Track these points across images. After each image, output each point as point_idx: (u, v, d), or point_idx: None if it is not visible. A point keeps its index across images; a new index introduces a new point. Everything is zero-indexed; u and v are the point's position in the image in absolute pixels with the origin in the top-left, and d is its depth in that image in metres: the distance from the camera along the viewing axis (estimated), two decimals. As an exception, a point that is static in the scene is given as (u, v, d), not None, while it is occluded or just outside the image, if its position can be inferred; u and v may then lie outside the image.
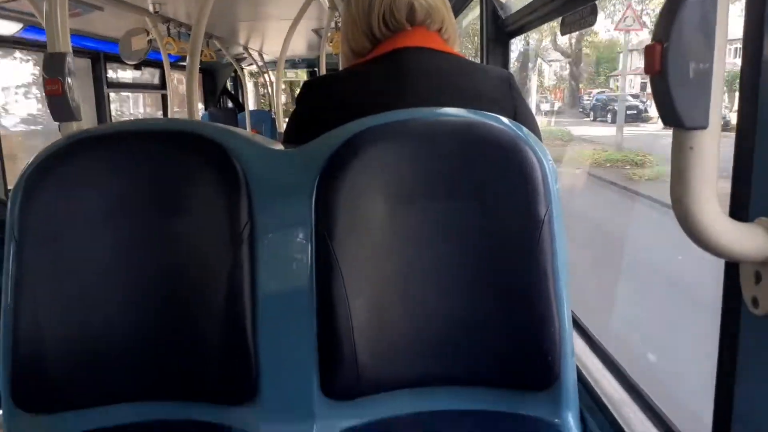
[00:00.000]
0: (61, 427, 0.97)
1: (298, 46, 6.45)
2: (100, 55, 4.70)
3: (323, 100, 1.14)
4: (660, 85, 0.58)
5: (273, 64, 8.00)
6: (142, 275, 0.96)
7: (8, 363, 0.94)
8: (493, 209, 0.95)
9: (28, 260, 0.95)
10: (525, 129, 1.00)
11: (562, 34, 1.50)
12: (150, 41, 4.06)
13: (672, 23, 0.56)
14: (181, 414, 0.98)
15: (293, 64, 8.55)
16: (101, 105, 4.85)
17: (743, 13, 0.66)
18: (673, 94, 0.57)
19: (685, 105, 0.57)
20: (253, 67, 8.45)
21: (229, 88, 8.34)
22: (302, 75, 9.32)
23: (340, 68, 1.28)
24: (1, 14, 3.19)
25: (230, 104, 8.34)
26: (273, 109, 8.24)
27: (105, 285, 0.96)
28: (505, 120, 0.99)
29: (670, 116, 0.58)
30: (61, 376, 0.96)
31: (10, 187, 3.66)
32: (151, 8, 3.74)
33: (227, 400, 0.98)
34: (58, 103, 1.17)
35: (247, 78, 8.22)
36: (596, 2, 1.34)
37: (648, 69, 0.59)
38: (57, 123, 1.18)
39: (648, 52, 0.58)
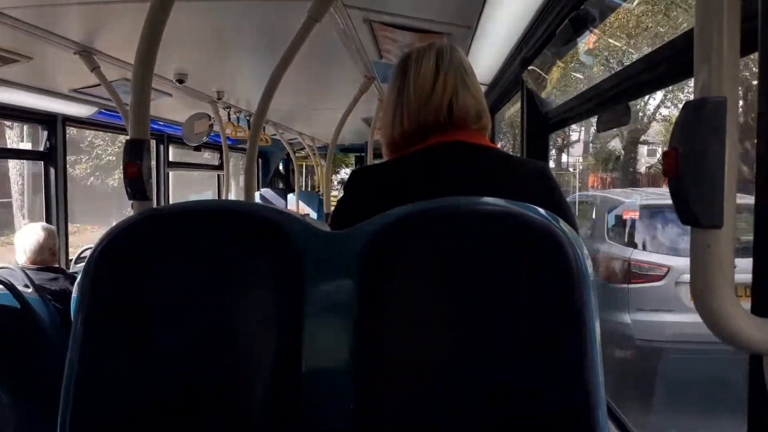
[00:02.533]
0: None
1: (348, 133, 6.72)
2: (164, 137, 5.03)
3: (369, 188, 1.22)
4: (677, 187, 0.63)
5: (323, 149, 8.33)
6: (196, 346, 1.02)
7: (66, 422, 0.99)
8: (530, 296, 0.97)
9: (94, 329, 1.01)
10: (560, 219, 1.04)
11: (598, 131, 1.58)
12: (211, 125, 4.33)
13: (686, 131, 0.63)
14: None
15: (342, 149, 8.87)
16: (161, 184, 5.13)
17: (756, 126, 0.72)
18: (690, 196, 0.62)
19: (700, 206, 0.62)
20: (304, 152, 8.81)
21: (281, 170, 8.70)
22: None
23: (383, 154, 1.36)
24: (79, 99, 3.49)
25: (281, 185, 8.66)
26: (321, 191, 8.50)
27: (162, 353, 1.02)
28: (540, 210, 1.03)
29: (687, 216, 0.63)
30: None
31: (71, 257, 3.87)
32: (215, 95, 4.03)
33: None
34: (136, 184, 1.28)
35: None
36: (629, 104, 1.42)
37: (666, 172, 0.64)
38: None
39: (666, 157, 0.64)
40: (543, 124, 2.24)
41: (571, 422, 0.94)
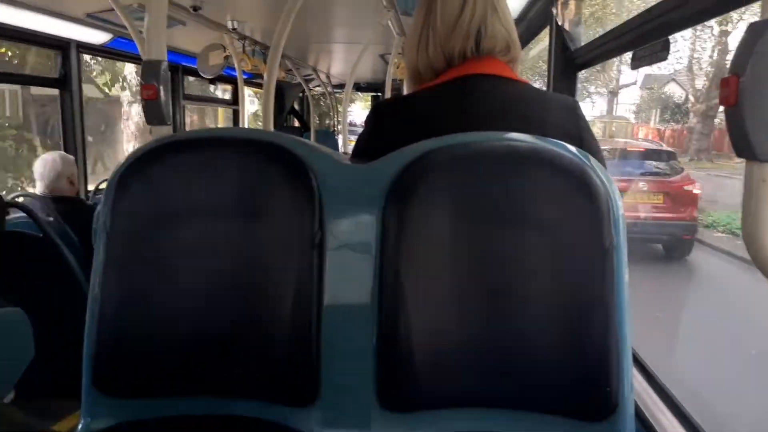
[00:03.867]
0: (135, 411, 1.02)
1: (365, 70, 6.59)
2: (179, 67, 4.95)
3: (392, 121, 1.18)
4: (735, 117, 0.59)
5: (338, 87, 8.20)
6: (217, 272, 1.02)
7: (91, 348, 1.01)
8: (558, 236, 0.95)
9: (115, 252, 1.02)
10: (592, 158, 1.00)
11: (633, 68, 1.50)
12: (227, 57, 4.24)
13: (749, 57, 0.58)
14: (244, 411, 1.02)
15: (359, 87, 8.72)
16: (177, 115, 5.08)
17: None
18: (748, 127, 0.58)
19: (759, 138, 0.58)
20: (319, 89, 8.67)
21: (296, 107, 8.58)
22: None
23: (405, 90, 1.31)
24: (94, 24, 3.41)
25: (296, 123, 8.58)
26: (336, 130, 8.42)
27: (183, 281, 1.01)
28: (571, 148, 1.00)
29: (743, 148, 0.59)
30: (138, 365, 1.02)
31: (90, 188, 3.89)
32: (230, 25, 3.93)
33: (288, 401, 1.01)
34: (153, 108, 1.25)
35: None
36: (668, 38, 1.34)
37: (723, 101, 0.60)
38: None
39: (724, 84, 0.60)
40: (571, 62, 2.15)
41: (595, 364, 0.94)
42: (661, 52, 1.42)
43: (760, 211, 0.59)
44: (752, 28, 0.59)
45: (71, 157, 3.00)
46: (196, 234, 1.02)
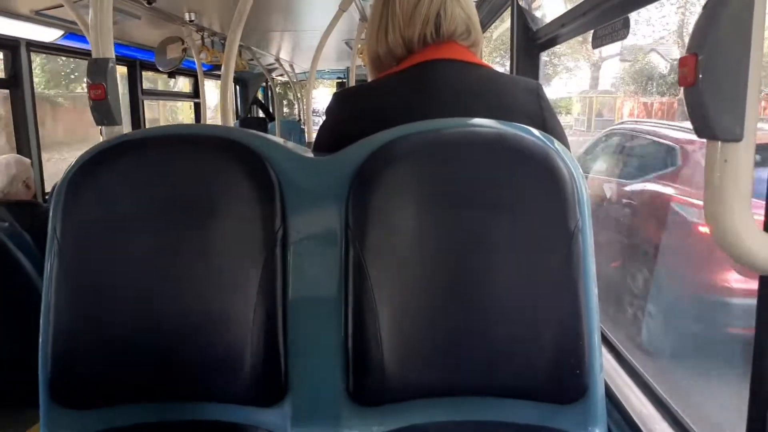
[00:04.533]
0: (95, 422, 0.99)
1: (329, 58, 6.52)
2: (136, 63, 4.83)
3: (353, 110, 1.15)
4: (694, 97, 0.58)
5: (303, 75, 8.11)
6: (176, 276, 0.99)
7: (47, 359, 0.97)
8: (523, 220, 0.95)
9: (68, 258, 0.98)
10: (555, 141, 1.00)
11: (594, 47, 1.50)
12: (184, 50, 4.15)
13: (707, 35, 0.57)
14: (211, 414, 1.00)
15: (323, 75, 8.64)
16: (136, 112, 4.96)
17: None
18: (708, 107, 0.57)
19: (719, 117, 0.57)
20: (283, 78, 8.57)
21: (260, 98, 8.47)
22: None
23: (369, 77, 1.29)
24: (43, 21, 3.29)
25: (261, 114, 8.46)
26: (302, 120, 8.34)
27: (141, 285, 0.98)
28: (535, 131, 0.99)
29: (704, 129, 0.59)
30: (96, 373, 0.98)
31: (47, 190, 3.78)
32: (186, 17, 3.83)
33: (256, 401, 0.99)
34: (101, 108, 1.20)
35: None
36: (628, 16, 1.34)
37: (682, 81, 0.59)
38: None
39: (683, 63, 0.59)
40: (534, 43, 2.15)
41: (563, 347, 0.94)
42: (621, 30, 1.42)
43: (722, 190, 0.59)
44: (708, 4, 0.58)
45: (27, 159, 2.90)
46: (152, 236, 0.98)
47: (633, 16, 1.39)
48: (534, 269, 0.95)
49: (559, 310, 0.94)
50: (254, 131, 1.06)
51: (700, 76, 0.57)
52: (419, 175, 0.96)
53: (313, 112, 6.86)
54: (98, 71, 1.19)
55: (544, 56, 2.18)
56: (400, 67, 1.16)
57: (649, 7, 1.28)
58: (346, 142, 1.03)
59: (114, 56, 1.23)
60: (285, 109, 12.23)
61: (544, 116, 1.12)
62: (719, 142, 0.59)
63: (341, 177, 0.99)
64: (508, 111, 1.08)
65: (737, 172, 0.59)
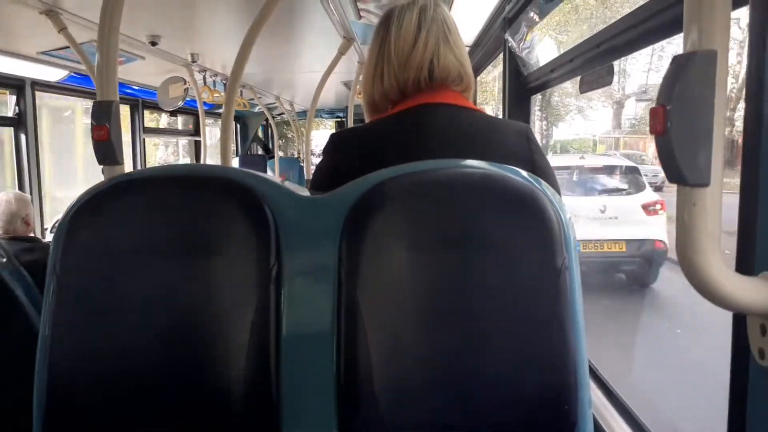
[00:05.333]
0: None
1: (328, 97, 6.63)
2: (138, 102, 4.91)
3: (349, 151, 1.19)
4: (664, 145, 0.62)
5: (303, 114, 8.23)
6: (172, 312, 1.00)
7: (42, 393, 0.98)
8: (511, 259, 0.97)
9: (67, 295, 0.99)
10: (543, 182, 1.03)
11: (581, 92, 1.56)
12: (186, 89, 4.23)
13: (674, 87, 0.61)
14: None
15: (322, 114, 8.77)
16: (137, 149, 5.03)
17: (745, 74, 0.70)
18: (677, 154, 0.61)
19: (687, 163, 0.61)
20: (283, 116, 8.68)
21: (260, 135, 8.57)
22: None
23: (366, 118, 1.33)
24: (48, 61, 3.37)
25: (260, 151, 8.56)
26: (301, 157, 8.42)
27: (136, 323, 1.00)
28: (523, 173, 1.02)
29: (674, 174, 0.62)
30: (92, 407, 0.99)
31: (46, 225, 3.80)
32: (189, 58, 3.92)
33: None
34: (104, 148, 1.24)
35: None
36: (612, 63, 1.39)
37: (653, 130, 0.63)
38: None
39: (653, 114, 0.62)
40: (525, 87, 2.21)
41: (552, 382, 0.95)
42: (606, 77, 1.47)
43: (693, 232, 0.62)
44: (676, 60, 0.62)
45: (27, 196, 2.93)
46: (150, 275, 1.00)
47: (657, 50, 1.45)
48: (523, 306, 0.97)
49: (547, 346, 0.95)
50: (251, 171, 1.09)
51: (669, 125, 0.61)
52: (409, 214, 0.99)
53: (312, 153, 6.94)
54: (102, 113, 1.22)
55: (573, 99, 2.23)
56: (395, 111, 1.20)
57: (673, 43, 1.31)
58: (341, 182, 1.06)
59: (118, 98, 1.28)
60: (291, 147, 12.32)
61: (533, 158, 1.16)
62: (689, 188, 0.62)
63: (335, 216, 1.01)
64: (499, 153, 1.12)
65: (706, 215, 0.62)
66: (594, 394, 1.11)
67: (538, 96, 2.38)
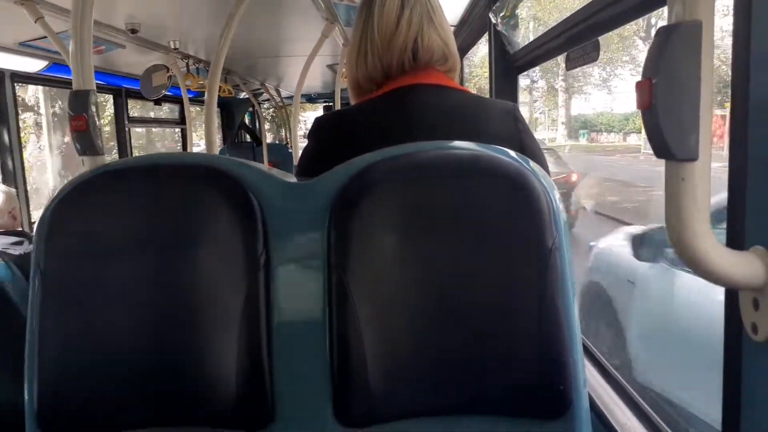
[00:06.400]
0: None
1: (314, 82, 6.58)
2: (122, 91, 4.85)
3: (334, 135, 1.18)
4: (650, 119, 0.61)
5: (289, 99, 8.16)
6: (160, 303, 0.99)
7: (33, 388, 0.97)
8: (502, 240, 0.96)
9: (52, 290, 0.98)
10: (531, 162, 1.02)
11: (567, 69, 1.54)
12: (170, 77, 4.17)
13: (660, 59, 0.60)
14: None
15: (309, 98, 8.70)
16: (122, 139, 4.97)
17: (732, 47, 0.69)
18: (663, 128, 0.60)
19: (675, 138, 0.60)
20: (269, 102, 8.62)
21: (247, 122, 8.50)
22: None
23: (351, 100, 1.32)
24: (27, 52, 3.31)
25: (248, 138, 8.49)
26: (289, 143, 8.37)
27: (125, 313, 0.99)
28: (510, 152, 1.02)
29: (661, 149, 0.61)
30: (83, 402, 0.98)
31: (33, 219, 3.76)
32: (171, 45, 3.86)
33: (243, 426, 0.99)
34: (83, 139, 1.21)
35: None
36: (598, 39, 1.38)
37: (639, 104, 0.62)
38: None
39: (639, 87, 0.61)
40: (511, 66, 2.19)
41: (546, 363, 0.95)
42: (592, 53, 1.46)
43: (682, 208, 0.61)
44: (661, 31, 0.61)
45: (13, 190, 2.89)
46: (135, 265, 0.99)
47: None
48: (514, 287, 0.96)
49: (540, 326, 0.95)
50: (235, 158, 1.08)
51: (655, 99, 0.60)
52: (396, 198, 0.98)
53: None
54: (80, 103, 1.20)
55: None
56: (379, 93, 1.18)
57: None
58: (328, 167, 1.05)
59: (95, 87, 1.25)
60: (279, 132, 12.23)
61: (521, 138, 1.14)
62: (676, 162, 0.61)
63: (321, 201, 1.00)
64: (486, 133, 1.11)
65: (695, 190, 0.61)
66: (589, 373, 1.11)
67: (561, 64, 2.34)
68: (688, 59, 0.59)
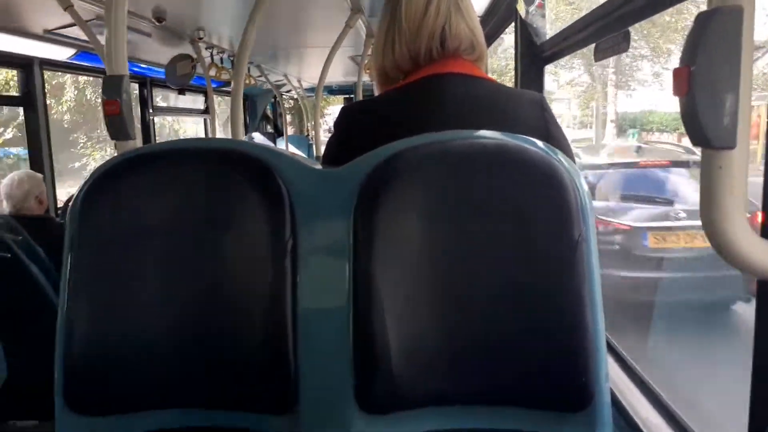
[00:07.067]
0: (110, 429, 1.01)
1: (336, 73, 6.57)
2: (146, 80, 4.90)
3: (360, 124, 1.18)
4: (688, 106, 0.60)
5: (311, 91, 8.19)
6: (189, 285, 1.01)
7: (62, 366, 0.99)
8: (528, 231, 0.96)
9: (84, 269, 1.00)
10: (559, 152, 1.01)
11: (596, 60, 1.53)
12: (194, 67, 4.21)
13: (698, 47, 0.59)
14: (223, 421, 1.01)
15: (330, 90, 8.70)
16: (147, 128, 5.03)
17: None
18: (701, 116, 0.59)
19: (712, 126, 0.59)
20: (292, 94, 8.64)
21: (269, 114, 8.54)
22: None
23: (375, 90, 1.31)
24: (56, 40, 3.36)
25: (269, 129, 8.54)
26: (310, 135, 8.40)
27: (154, 294, 1.00)
28: (539, 143, 1.01)
29: (698, 137, 0.60)
30: (111, 381, 1.00)
31: (60, 204, 3.83)
32: (196, 35, 3.90)
33: (268, 409, 1.00)
34: (116, 123, 1.23)
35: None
36: (629, 29, 1.36)
37: (676, 91, 0.61)
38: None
39: (676, 75, 0.61)
40: (538, 57, 2.17)
41: (569, 355, 0.95)
42: (622, 43, 1.44)
43: (718, 197, 0.60)
44: (699, 18, 0.60)
45: (39, 175, 2.95)
46: (165, 248, 1.00)
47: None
48: (539, 279, 0.96)
49: (564, 319, 0.95)
50: (263, 144, 1.09)
51: (693, 86, 0.59)
52: (423, 186, 0.98)
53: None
54: (113, 87, 1.22)
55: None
56: (406, 81, 1.18)
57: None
58: (353, 155, 1.05)
59: (128, 72, 1.27)
60: (301, 124, 12.25)
61: (548, 128, 1.14)
62: (713, 150, 0.60)
63: (349, 189, 1.00)
64: (513, 123, 1.10)
65: (732, 179, 0.60)
66: (611, 368, 1.11)
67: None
68: (728, 46, 0.58)
